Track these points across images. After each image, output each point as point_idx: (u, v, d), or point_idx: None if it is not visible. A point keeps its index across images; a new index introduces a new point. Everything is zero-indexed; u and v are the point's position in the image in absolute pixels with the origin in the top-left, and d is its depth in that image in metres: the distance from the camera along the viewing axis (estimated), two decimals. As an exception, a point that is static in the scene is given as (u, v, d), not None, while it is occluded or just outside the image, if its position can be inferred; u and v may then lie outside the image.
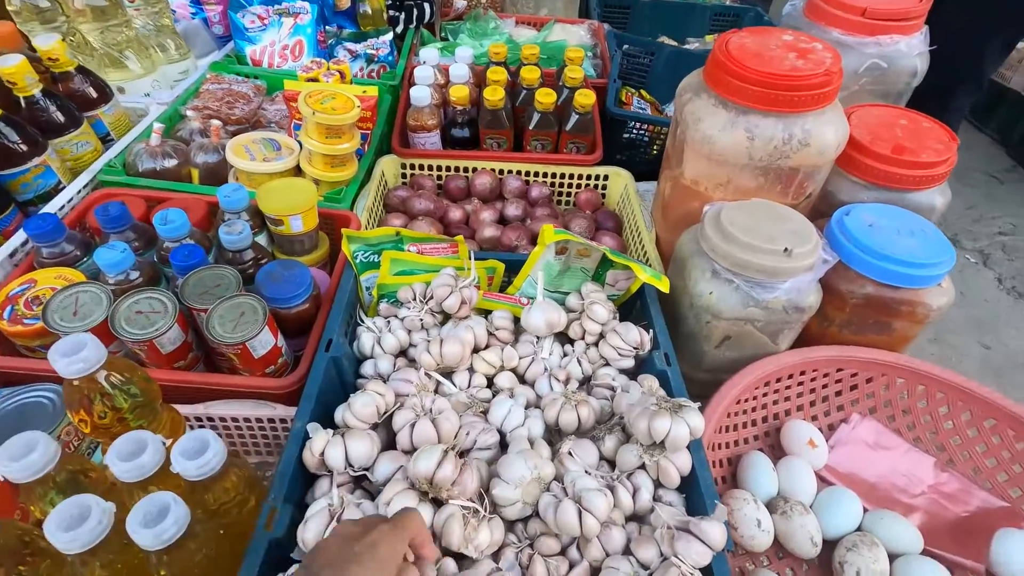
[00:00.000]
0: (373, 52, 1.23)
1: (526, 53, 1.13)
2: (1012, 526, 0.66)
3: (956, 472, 0.73)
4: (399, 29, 1.36)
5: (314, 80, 0.98)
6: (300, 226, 0.79)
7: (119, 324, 0.60)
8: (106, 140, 0.98)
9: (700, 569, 0.48)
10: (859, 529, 0.66)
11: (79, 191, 0.87)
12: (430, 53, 1.17)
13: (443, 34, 1.49)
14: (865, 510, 0.68)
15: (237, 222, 0.73)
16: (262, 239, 0.82)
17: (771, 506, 0.66)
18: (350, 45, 1.22)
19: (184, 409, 0.64)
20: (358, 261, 0.75)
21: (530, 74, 1.08)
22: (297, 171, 0.92)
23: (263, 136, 0.93)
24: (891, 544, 0.64)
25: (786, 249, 0.66)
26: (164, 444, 0.48)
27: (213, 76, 1.10)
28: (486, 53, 1.22)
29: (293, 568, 0.47)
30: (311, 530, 0.49)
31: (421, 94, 1.02)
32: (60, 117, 0.89)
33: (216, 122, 0.94)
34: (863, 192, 0.82)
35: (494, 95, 1.02)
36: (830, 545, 0.65)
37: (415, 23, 1.40)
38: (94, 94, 0.96)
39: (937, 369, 0.74)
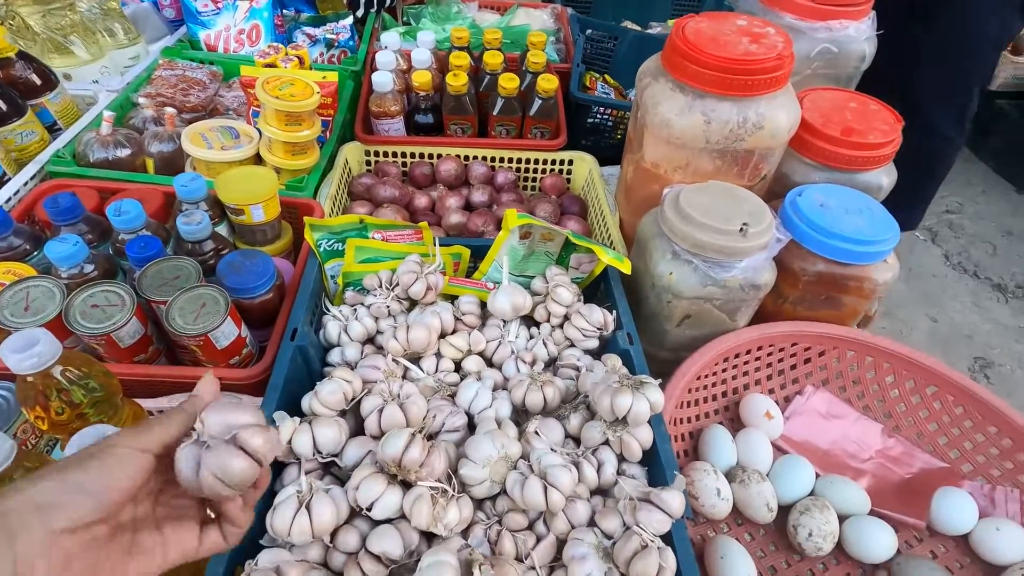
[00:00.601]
0: (333, 37, 1.20)
1: (489, 38, 1.13)
2: (951, 485, 0.71)
3: (901, 437, 0.78)
4: (359, 13, 1.33)
5: (272, 66, 0.96)
6: (261, 215, 0.78)
7: (74, 318, 0.58)
8: (53, 129, 0.95)
9: (660, 536, 0.50)
10: (812, 494, 0.70)
11: (26, 183, 0.84)
12: (391, 38, 1.15)
13: (405, 18, 1.47)
14: (817, 476, 0.71)
15: (196, 212, 0.72)
16: (222, 229, 0.81)
17: (730, 476, 0.69)
18: (309, 30, 1.20)
19: (147, 403, 0.63)
20: (322, 249, 0.74)
21: (493, 59, 1.08)
22: (257, 159, 0.90)
23: (220, 124, 0.90)
24: (841, 506, 0.67)
25: (742, 228, 0.69)
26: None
27: (166, 62, 1.06)
28: (449, 38, 1.21)
29: (262, 554, 0.48)
30: (280, 517, 0.49)
31: (383, 79, 1.01)
32: (1, 105, 0.85)
33: (171, 110, 0.91)
34: (815, 173, 0.85)
35: (457, 80, 1.02)
36: (785, 510, 0.69)
37: (376, 7, 1.37)
38: (38, 81, 0.92)
39: (884, 341, 0.78)
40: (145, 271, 0.64)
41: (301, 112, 0.84)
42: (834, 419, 0.79)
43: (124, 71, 1.09)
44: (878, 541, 0.65)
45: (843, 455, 0.76)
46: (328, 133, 1.01)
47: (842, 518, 0.67)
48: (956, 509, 0.68)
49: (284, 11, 1.21)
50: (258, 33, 1.16)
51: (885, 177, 0.85)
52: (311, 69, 1.03)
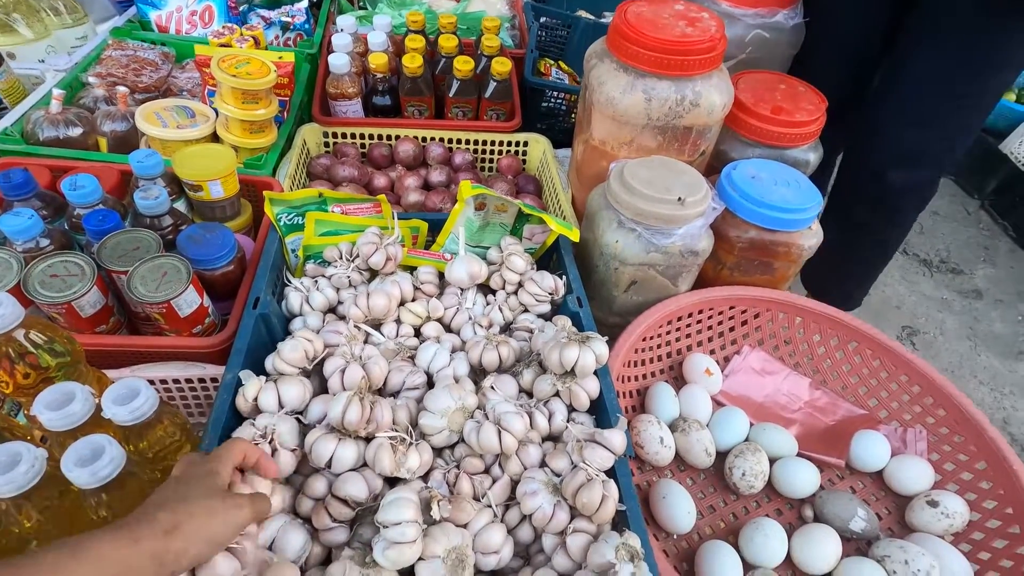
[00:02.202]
0: (288, 20, 1.21)
1: (444, 22, 1.16)
2: (869, 428, 0.79)
3: (827, 389, 0.85)
4: (315, -3, 1.34)
5: (227, 46, 0.97)
6: (220, 192, 0.79)
7: (33, 287, 0.59)
8: (-2, 109, 0.93)
9: (605, 472, 0.55)
10: (747, 440, 0.76)
11: (-28, 162, 0.82)
12: (348, 21, 1.17)
13: (361, 3, 1.48)
14: (752, 424, 0.78)
15: (153, 187, 0.72)
16: (181, 206, 0.81)
17: (673, 426, 0.75)
18: (264, 12, 1.20)
19: (110, 374, 0.64)
20: (282, 223, 0.76)
21: (448, 42, 1.11)
22: (214, 139, 0.91)
23: (175, 103, 0.91)
24: (771, 450, 0.74)
25: (680, 199, 0.74)
26: (92, 394, 0.49)
27: (115, 42, 1.05)
28: (404, 23, 1.23)
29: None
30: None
31: (340, 61, 1.03)
32: (-57, 83, 0.83)
33: (123, 88, 0.90)
34: (749, 149, 0.92)
35: (413, 62, 1.04)
36: (723, 456, 0.75)
37: (331, -9, 1.38)
38: (-20, 59, 0.90)
39: (811, 303, 0.85)
40: (104, 243, 0.65)
41: (258, 90, 0.85)
42: (768, 375, 0.86)
43: (72, 51, 1.07)
44: (803, 479, 0.72)
45: (775, 407, 0.83)
46: (285, 114, 1.02)
47: (772, 460, 0.74)
48: (872, 449, 0.76)
49: (237, -7, 1.20)
50: (211, 14, 1.16)
51: (812, 153, 0.92)
52: (266, 50, 1.04)
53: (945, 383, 0.77)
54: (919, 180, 1.04)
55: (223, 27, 1.00)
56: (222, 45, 0.96)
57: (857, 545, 0.70)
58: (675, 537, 0.68)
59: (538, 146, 1.11)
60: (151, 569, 0.36)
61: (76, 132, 0.87)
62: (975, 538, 0.69)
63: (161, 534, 0.37)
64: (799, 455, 0.76)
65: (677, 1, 0.84)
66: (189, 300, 0.64)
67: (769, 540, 0.65)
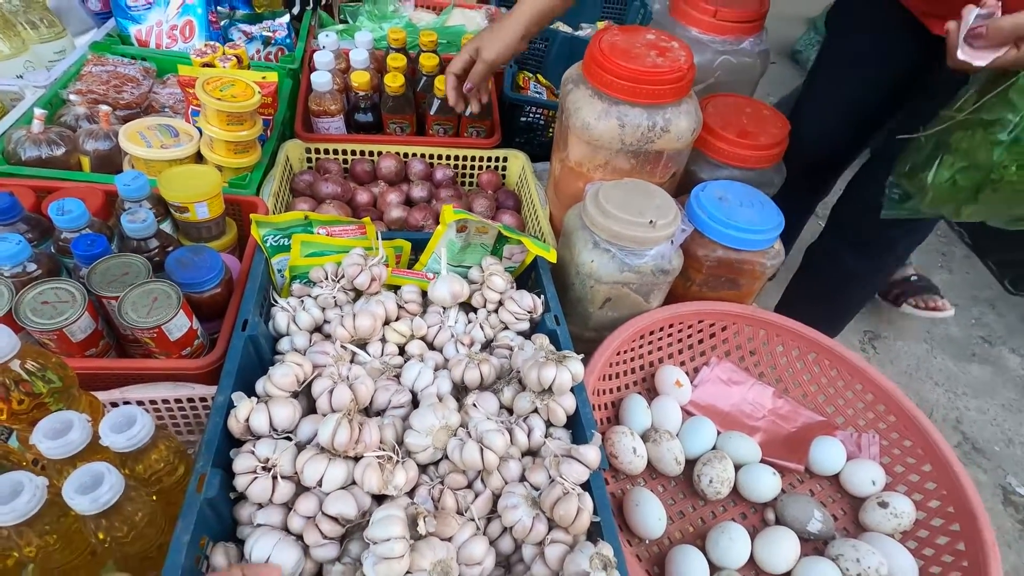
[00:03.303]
0: (270, 35, 1.22)
1: (424, 40, 1.18)
2: (826, 435, 0.84)
3: (789, 398, 0.91)
4: (295, 11, 1.35)
5: (210, 65, 0.98)
6: (206, 213, 0.81)
7: (24, 314, 0.61)
8: (-24, 127, 0.92)
9: (581, 485, 0.59)
10: (714, 448, 0.81)
11: (-48, 182, 0.82)
12: (329, 39, 1.18)
13: (342, 16, 1.49)
14: (719, 433, 0.83)
15: (140, 210, 0.74)
16: (166, 227, 0.83)
17: (645, 436, 0.79)
18: (245, 27, 1.21)
19: (100, 396, 0.65)
20: (268, 245, 0.78)
21: (428, 61, 1.14)
22: (198, 158, 0.92)
23: (158, 122, 0.92)
24: (737, 457, 0.79)
25: (651, 222, 0.79)
26: (88, 422, 0.51)
27: (95, 57, 1.05)
28: (386, 37, 1.25)
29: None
30: (258, 486, 0.54)
31: (322, 79, 1.05)
32: (-79, 102, 0.83)
33: (105, 107, 0.91)
34: (718, 170, 0.97)
35: (395, 82, 1.07)
36: (692, 464, 0.80)
37: (312, 5, 1.39)
38: (-43, 77, 0.90)
39: (774, 316, 0.90)
40: (94, 268, 0.66)
41: (243, 112, 0.87)
42: (735, 385, 0.91)
43: (50, 66, 1.07)
44: (766, 484, 0.77)
45: (741, 415, 0.88)
46: (269, 131, 1.03)
47: (738, 467, 0.79)
48: (828, 454, 0.81)
49: (218, 7, 1.21)
50: (191, 29, 1.16)
51: (776, 174, 0.98)
52: (249, 68, 1.05)
53: (895, 391, 0.83)
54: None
55: (205, 45, 1.01)
56: (205, 65, 0.97)
57: (815, 545, 0.75)
58: (647, 542, 0.72)
59: (517, 162, 1.15)
60: None
61: (59, 151, 0.87)
62: (921, 536, 0.74)
63: None
64: (762, 461, 0.81)
65: (648, 31, 0.88)
66: (179, 324, 0.66)
67: (734, 543, 0.70)
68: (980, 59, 0.61)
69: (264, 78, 0.96)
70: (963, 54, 0.60)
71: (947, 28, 0.65)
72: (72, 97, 0.95)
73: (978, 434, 1.45)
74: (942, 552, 0.72)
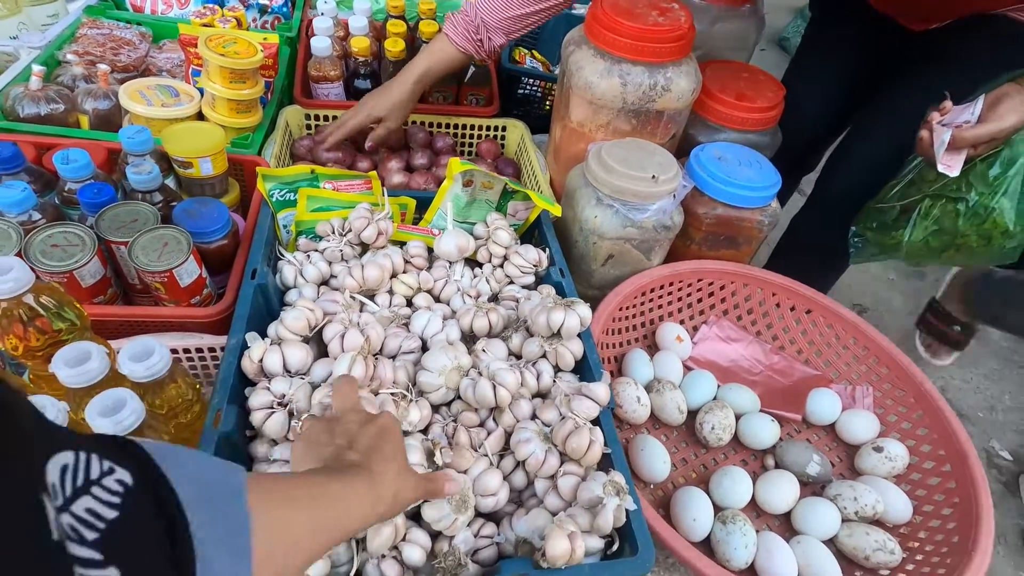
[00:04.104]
0: (266, 3, 1.21)
1: (423, 8, 1.18)
2: (822, 387, 0.86)
3: (785, 354, 0.93)
4: (291, -20, 1.34)
5: (209, 26, 0.97)
6: (210, 169, 0.81)
7: (34, 256, 0.60)
8: (-29, 86, 0.91)
9: (591, 421, 0.60)
10: (714, 399, 0.83)
11: (-51, 138, 0.81)
12: (328, 4, 1.18)
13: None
14: (719, 385, 0.85)
15: (145, 162, 0.74)
16: (170, 183, 0.82)
17: (648, 387, 0.81)
18: (241, -6, 1.20)
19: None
20: (274, 199, 0.78)
21: (428, 28, 1.13)
22: (199, 118, 0.92)
23: (159, 82, 0.91)
24: (737, 406, 0.81)
25: (653, 176, 0.80)
26: (107, 353, 0.51)
27: (90, 21, 1.04)
28: (383, 8, 1.25)
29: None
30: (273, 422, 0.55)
31: (322, 44, 1.05)
32: (-85, 57, 0.82)
33: (104, 67, 0.90)
34: (716, 133, 0.98)
35: (395, 47, 1.07)
36: (693, 414, 0.82)
37: (308, -25, 1.38)
38: (-49, 34, 0.88)
39: (770, 274, 0.92)
40: (102, 214, 0.66)
41: (245, 70, 0.87)
42: (733, 342, 0.93)
43: (44, 28, 1.06)
44: (766, 431, 0.79)
45: (739, 370, 0.90)
46: (269, 95, 1.03)
47: (738, 416, 0.81)
48: (825, 405, 0.84)
49: (213, -26, 1.20)
50: (187, -5, 1.15)
51: (772, 137, 0.99)
52: (249, 31, 1.04)
53: (888, 344, 0.85)
54: None
55: (204, 7, 1.00)
56: (205, 25, 0.96)
57: (813, 488, 0.77)
58: (652, 486, 0.74)
59: (516, 131, 1.15)
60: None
61: (57, 109, 0.86)
62: (913, 478, 0.77)
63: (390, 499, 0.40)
64: (762, 411, 0.83)
65: (649, -8, 0.89)
66: (190, 270, 0.66)
67: (736, 485, 0.72)
68: (954, 170, 0.72)
69: (265, 39, 0.96)
70: (942, 167, 0.72)
71: (920, 137, 0.75)
72: (70, 57, 0.94)
73: (963, 401, 1.49)
74: (934, 492, 0.74)
